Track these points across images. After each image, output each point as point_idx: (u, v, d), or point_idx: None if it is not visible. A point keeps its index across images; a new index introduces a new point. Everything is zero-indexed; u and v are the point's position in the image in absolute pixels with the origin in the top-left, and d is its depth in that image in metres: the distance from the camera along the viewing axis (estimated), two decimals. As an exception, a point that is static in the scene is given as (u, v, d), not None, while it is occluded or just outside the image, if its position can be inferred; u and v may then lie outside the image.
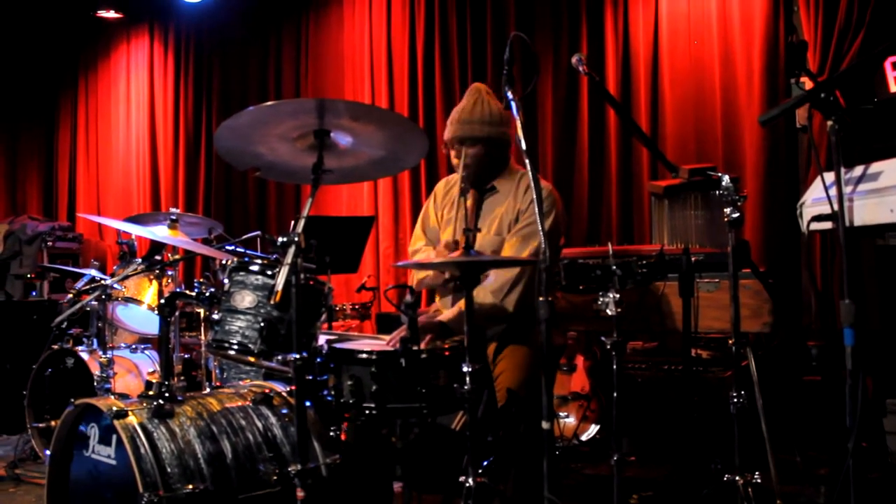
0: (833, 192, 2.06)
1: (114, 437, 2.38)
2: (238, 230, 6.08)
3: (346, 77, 6.87)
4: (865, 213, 2.17)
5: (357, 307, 4.79)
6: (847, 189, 2.20)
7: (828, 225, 2.18)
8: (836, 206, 2.05)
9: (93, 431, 2.51)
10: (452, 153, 3.14)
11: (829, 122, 2.06)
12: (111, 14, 8.14)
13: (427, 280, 3.21)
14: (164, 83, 8.18)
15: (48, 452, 2.65)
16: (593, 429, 4.29)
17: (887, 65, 3.98)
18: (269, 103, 2.20)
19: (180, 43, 8.10)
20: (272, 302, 2.09)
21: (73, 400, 2.55)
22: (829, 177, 2.13)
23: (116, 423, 2.31)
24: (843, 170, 2.09)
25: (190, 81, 8.00)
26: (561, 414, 4.34)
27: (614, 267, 2.49)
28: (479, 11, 5.95)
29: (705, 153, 4.97)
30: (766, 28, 4.74)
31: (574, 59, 2.75)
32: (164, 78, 8.18)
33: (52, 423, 4.07)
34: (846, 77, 3.80)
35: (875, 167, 2.23)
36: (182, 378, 3.76)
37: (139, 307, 4.28)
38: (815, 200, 2.36)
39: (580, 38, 5.50)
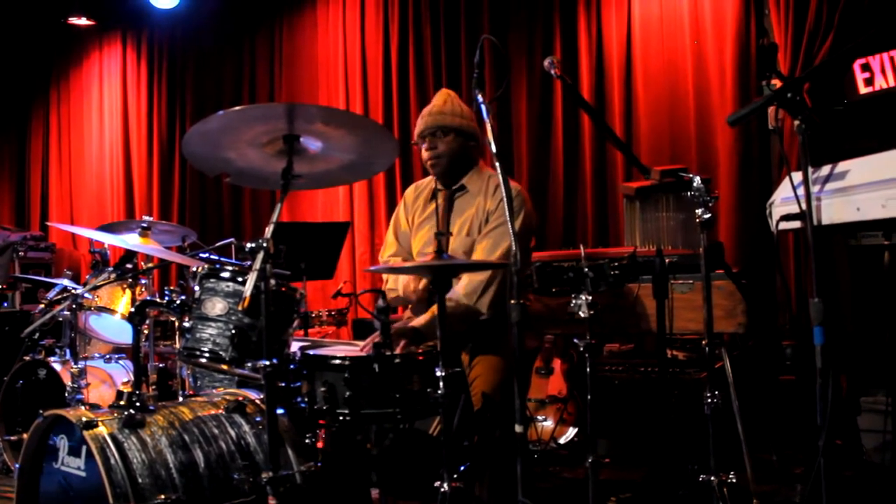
0: (801, 191, 2.07)
1: (83, 449, 2.34)
2: (212, 238, 6.03)
3: (321, 82, 6.86)
4: (833, 211, 2.18)
5: (333, 313, 4.76)
6: (815, 188, 2.21)
7: (797, 224, 2.19)
8: (804, 206, 2.06)
9: (62, 443, 2.46)
10: (424, 147, 3.16)
11: (797, 122, 2.07)
12: (83, 21, 8.06)
13: (399, 299, 3.21)
14: (138, 90, 8.11)
15: (17, 465, 2.61)
16: (571, 432, 4.29)
17: (856, 67, 4.03)
18: (237, 108, 2.19)
19: (153, 50, 8.04)
20: (241, 308, 2.07)
21: (42, 411, 2.51)
22: (798, 176, 2.15)
23: (86, 433, 2.27)
24: (811, 169, 2.11)
25: (163, 88, 7.94)
26: (538, 417, 4.33)
27: (586, 269, 2.49)
28: (452, 15, 5.96)
29: (679, 155, 4.99)
30: (737, 30, 4.78)
31: (546, 63, 2.76)
32: (138, 85, 8.12)
33: (24, 435, 4.00)
34: (813, 76, 3.84)
35: (842, 166, 2.25)
36: (154, 387, 3.71)
37: (112, 317, 4.22)
38: (783, 200, 2.37)
39: (554, 41, 5.52)
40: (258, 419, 2.58)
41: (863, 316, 3.92)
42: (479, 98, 2.39)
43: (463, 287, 2.94)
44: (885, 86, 3.94)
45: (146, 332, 3.79)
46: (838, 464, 3.61)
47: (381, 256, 3.43)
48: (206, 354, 2.41)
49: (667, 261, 2.99)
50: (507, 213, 2.18)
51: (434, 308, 2.57)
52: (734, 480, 2.57)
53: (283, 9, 7.17)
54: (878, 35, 3.89)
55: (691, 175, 2.59)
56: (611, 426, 4.18)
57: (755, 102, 2.27)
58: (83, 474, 2.35)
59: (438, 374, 2.24)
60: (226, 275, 2.44)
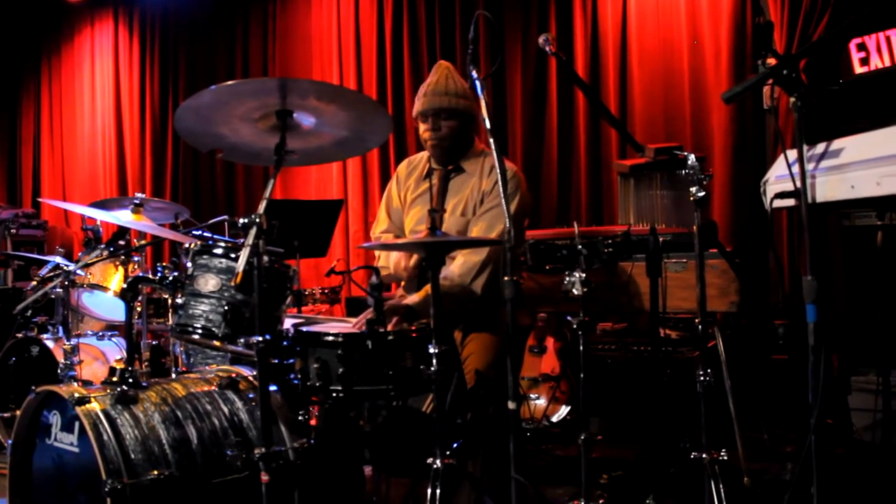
0: (795, 168, 2.06)
1: (76, 425, 2.34)
2: (206, 215, 6.00)
3: (315, 58, 6.81)
4: (827, 189, 2.18)
5: (326, 291, 4.76)
6: (809, 166, 2.21)
7: (791, 202, 2.19)
8: (798, 183, 2.06)
9: (55, 419, 2.46)
10: (424, 126, 3.11)
11: (792, 99, 2.07)
12: (74, -4, 8.01)
13: (390, 276, 3.20)
14: (130, 66, 8.05)
15: (10, 442, 2.61)
16: (564, 410, 4.31)
17: (852, 46, 4.01)
18: (229, 82, 2.17)
19: (146, 25, 7.97)
20: (233, 284, 2.06)
21: (34, 388, 2.50)
22: (792, 154, 2.14)
23: (78, 409, 2.27)
24: (805, 147, 2.10)
25: (156, 64, 7.88)
26: (532, 395, 4.35)
27: (580, 247, 2.49)
28: (447, -9, 5.93)
29: (674, 134, 4.99)
30: (733, 9, 4.77)
31: (541, 40, 2.73)
32: (130, 61, 8.05)
33: (17, 412, 4.00)
34: (809, 52, 3.83)
35: (837, 144, 2.24)
36: (147, 364, 3.71)
37: (105, 294, 4.21)
38: (778, 177, 2.37)
39: (549, 18, 5.50)
40: (251, 396, 2.58)
41: (855, 296, 3.94)
42: (474, 74, 2.37)
43: (458, 267, 2.93)
44: (880, 65, 3.92)
45: (139, 309, 3.78)
46: (829, 442, 3.64)
47: (372, 232, 3.42)
48: (199, 331, 2.40)
49: (660, 239, 2.98)
50: (502, 193, 2.17)
51: (428, 286, 2.56)
52: (726, 458, 2.58)
53: (276, -17, 7.12)
54: (874, 14, 3.87)
55: (686, 153, 2.58)
56: (603, 404, 4.20)
57: (751, 79, 2.26)
58: (76, 450, 2.36)
59: (431, 351, 2.24)
60: (218, 251, 2.43)
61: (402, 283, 3.25)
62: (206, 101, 2.23)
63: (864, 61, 3.98)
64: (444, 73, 3.11)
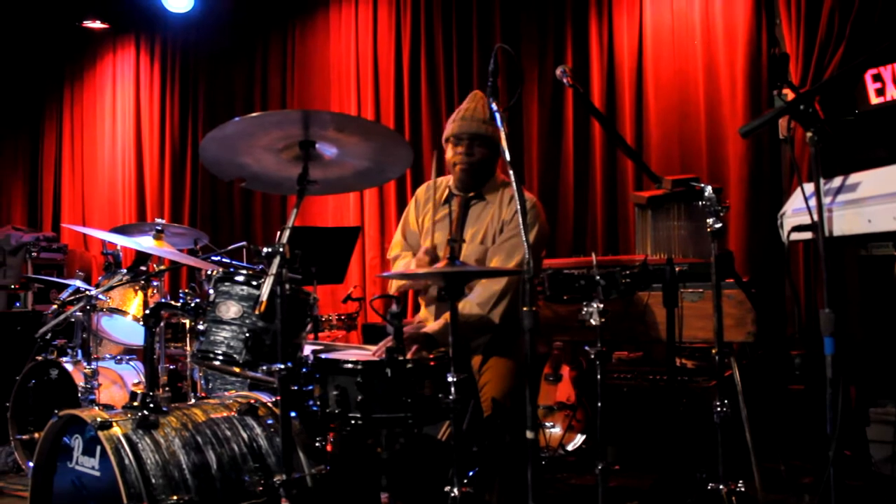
0: (813, 202, 2.08)
1: (98, 449, 2.37)
2: (224, 241, 6.06)
3: (333, 87, 6.89)
4: (844, 223, 2.19)
5: (343, 318, 4.78)
6: (826, 200, 2.22)
7: (808, 235, 2.20)
8: (815, 217, 2.08)
9: (77, 443, 2.49)
10: (455, 150, 3.15)
11: (809, 134, 2.09)
12: (97, 24, 8.15)
13: (406, 285, 3.22)
14: (151, 93, 8.17)
15: (31, 464, 2.64)
16: (579, 438, 4.29)
17: (868, 77, 4.04)
18: (254, 114, 2.22)
19: (166, 53, 8.11)
20: (257, 312, 2.09)
21: (57, 411, 2.53)
22: (809, 187, 2.16)
23: (101, 434, 2.30)
24: (822, 180, 2.12)
25: (176, 92, 8.00)
26: (547, 424, 4.34)
27: (598, 277, 2.51)
28: (464, 23, 5.98)
29: (690, 164, 5.00)
30: (748, 40, 4.79)
31: (558, 71, 2.76)
32: (151, 88, 8.18)
33: (36, 434, 4.03)
34: (825, 88, 3.84)
35: (854, 178, 2.26)
36: (167, 389, 3.74)
37: (124, 318, 4.26)
38: (795, 211, 2.38)
39: (565, 50, 5.54)
40: (270, 422, 2.60)
41: (872, 326, 3.92)
42: (494, 107, 2.40)
43: (477, 296, 2.96)
44: (896, 96, 3.95)
45: (158, 334, 3.82)
46: (847, 474, 3.61)
47: (388, 254, 3.44)
48: (220, 357, 2.43)
49: (677, 269, 2.99)
50: (521, 224, 2.19)
51: (447, 315, 2.58)
52: (742, 489, 2.57)
53: (295, 14, 7.22)
54: (890, 47, 3.89)
55: (703, 185, 2.60)
56: (619, 433, 4.18)
57: (767, 114, 2.28)
58: (97, 474, 2.38)
59: (450, 379, 2.25)
60: (240, 278, 2.47)
61: (423, 306, 3.27)
62: (231, 132, 2.28)
63: (880, 92, 4.01)
64: (480, 102, 3.17)
